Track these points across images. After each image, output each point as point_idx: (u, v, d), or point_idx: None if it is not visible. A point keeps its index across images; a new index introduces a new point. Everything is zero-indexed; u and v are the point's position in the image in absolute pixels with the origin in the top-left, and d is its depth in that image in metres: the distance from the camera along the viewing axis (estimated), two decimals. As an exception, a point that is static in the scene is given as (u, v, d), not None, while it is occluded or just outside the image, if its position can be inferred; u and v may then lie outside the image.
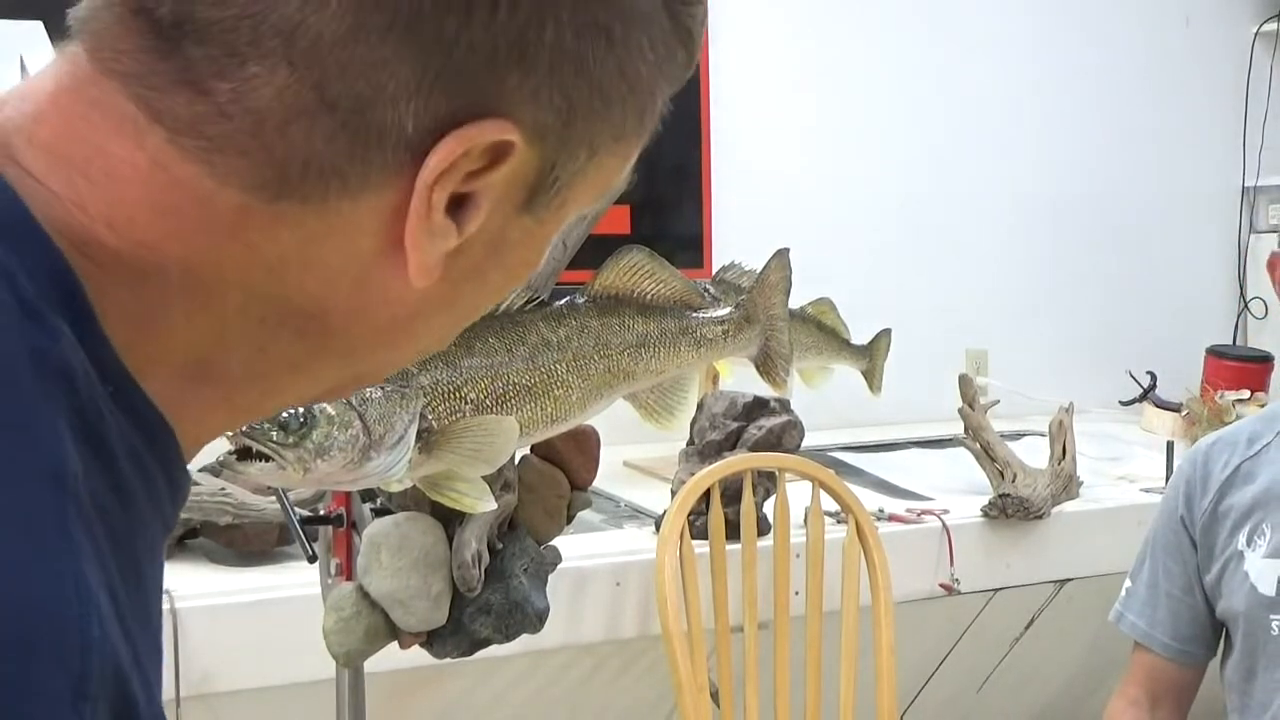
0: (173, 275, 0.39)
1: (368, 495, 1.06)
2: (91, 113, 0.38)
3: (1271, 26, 2.86)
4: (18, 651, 0.32)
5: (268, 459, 0.78)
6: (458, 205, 0.40)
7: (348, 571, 1.06)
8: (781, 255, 1.13)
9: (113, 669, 0.34)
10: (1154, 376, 2.49)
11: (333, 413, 0.80)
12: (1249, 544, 1.25)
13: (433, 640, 1.04)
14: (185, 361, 0.41)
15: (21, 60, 1.97)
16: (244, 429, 0.77)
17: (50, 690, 0.32)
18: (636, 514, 1.80)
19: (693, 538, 1.61)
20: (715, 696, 1.57)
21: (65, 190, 0.38)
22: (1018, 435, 2.15)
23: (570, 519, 1.08)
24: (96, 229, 0.38)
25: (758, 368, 1.12)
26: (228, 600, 1.40)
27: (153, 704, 0.37)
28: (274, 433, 0.78)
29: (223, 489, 1.51)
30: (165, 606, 1.43)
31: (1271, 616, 1.22)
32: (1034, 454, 1.93)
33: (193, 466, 1.46)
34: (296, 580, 1.43)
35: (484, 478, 0.89)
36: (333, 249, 0.40)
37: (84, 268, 0.38)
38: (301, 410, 0.78)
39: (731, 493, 1.64)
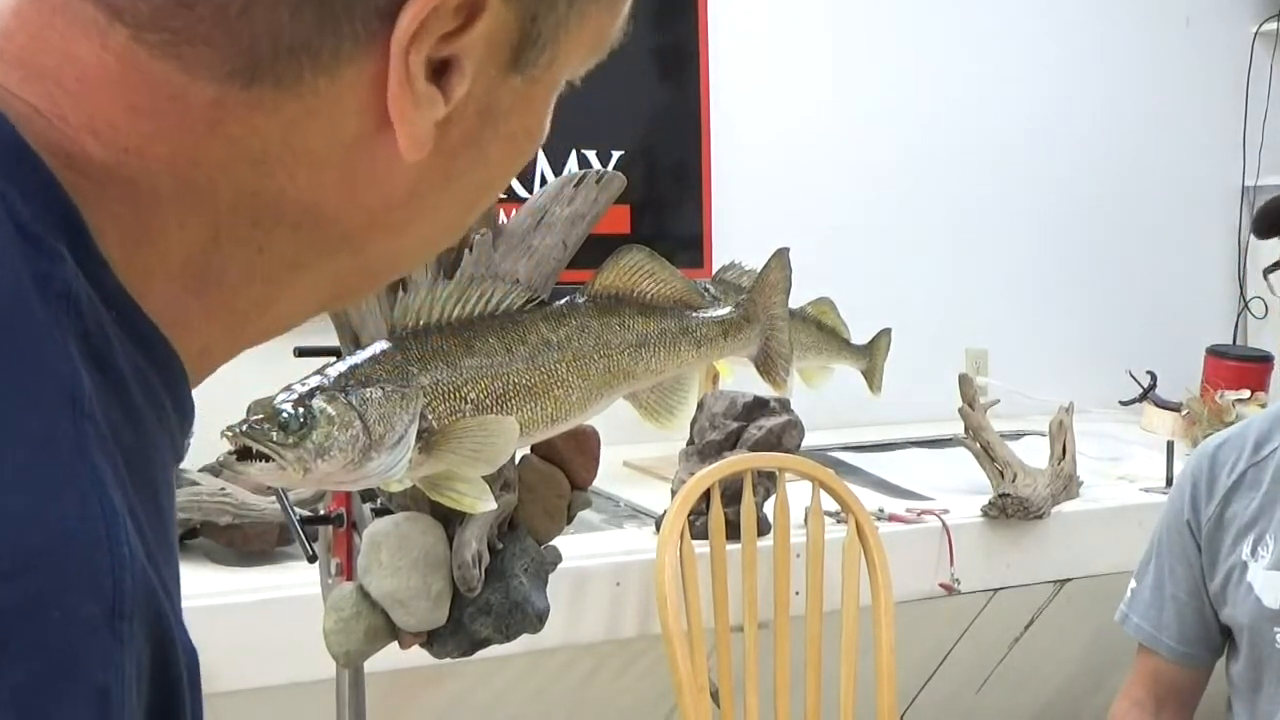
0: (162, 180, 0.38)
1: (368, 495, 1.06)
2: (55, 19, 0.38)
3: (1271, 26, 2.86)
4: (49, 573, 0.32)
5: (268, 459, 0.78)
6: (441, 72, 0.39)
7: (348, 571, 1.06)
8: (781, 255, 1.13)
9: (145, 588, 0.34)
10: (1154, 376, 2.50)
11: (333, 413, 0.79)
12: (1253, 554, 1.24)
13: (433, 640, 1.04)
14: (182, 272, 0.40)
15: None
16: (243, 429, 0.77)
17: (86, 611, 0.32)
18: (636, 514, 1.81)
19: (693, 538, 1.61)
20: (715, 696, 1.57)
21: (44, 103, 0.38)
22: (1018, 435, 2.15)
23: (570, 519, 1.08)
24: (82, 139, 0.38)
25: (758, 367, 1.12)
26: (228, 600, 1.40)
27: (184, 631, 0.36)
28: (274, 433, 0.77)
29: (223, 489, 1.51)
30: (165, 606, 1.43)
31: (1276, 629, 1.21)
32: (1034, 454, 1.93)
33: (193, 466, 1.46)
34: (296, 580, 1.43)
35: (484, 477, 0.89)
36: (316, 133, 0.39)
37: (75, 183, 0.37)
38: (301, 410, 0.78)
39: (731, 493, 1.64)
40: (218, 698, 1.38)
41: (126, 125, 0.38)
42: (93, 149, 0.38)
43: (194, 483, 1.52)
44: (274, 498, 1.50)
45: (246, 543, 1.51)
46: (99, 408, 0.35)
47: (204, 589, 1.39)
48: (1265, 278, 1.22)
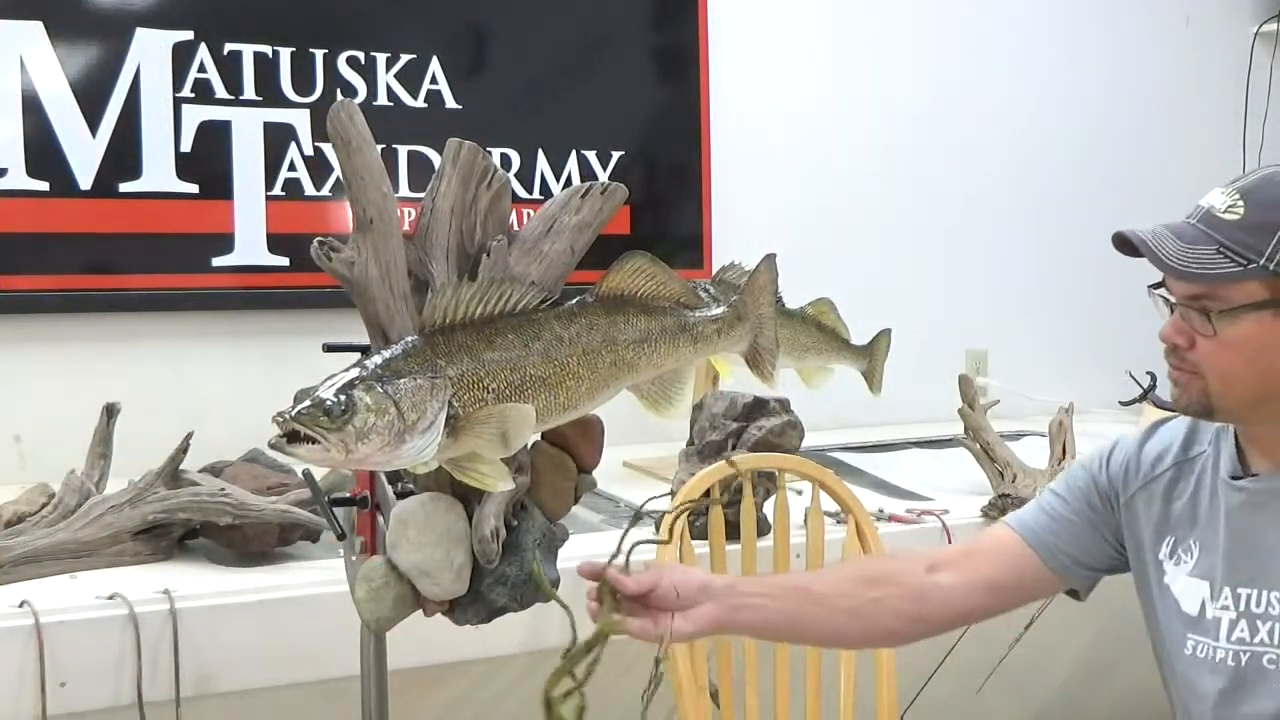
0: None
1: (393, 478, 1.19)
2: None
3: (1271, 26, 2.97)
4: None
5: (314, 441, 0.91)
6: None
7: (371, 548, 1.19)
8: (769, 260, 1.27)
9: None
10: (1154, 376, 2.56)
11: (370, 401, 0.94)
12: (1171, 557, 1.24)
13: (454, 609, 1.18)
14: None
15: (22, 60, 2.04)
16: (293, 414, 0.90)
17: None
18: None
19: (693, 538, 1.67)
20: (715, 696, 1.62)
21: None
22: (1018, 435, 2.22)
23: (577, 499, 1.21)
24: None
25: (748, 362, 1.25)
26: (228, 600, 1.46)
27: None
28: (321, 418, 0.92)
29: (223, 489, 1.57)
30: (165, 607, 1.47)
31: (1189, 635, 1.21)
32: (1034, 454, 2.00)
33: (193, 467, 1.59)
34: (296, 580, 1.51)
35: (502, 460, 1.01)
36: None
37: None
38: (344, 398, 0.92)
39: (731, 493, 1.69)
40: (217, 698, 1.45)
41: None
42: None
43: (194, 483, 1.57)
44: (273, 498, 1.59)
45: (246, 543, 1.56)
46: None
47: (204, 589, 1.45)
48: (1149, 294, 1.26)
